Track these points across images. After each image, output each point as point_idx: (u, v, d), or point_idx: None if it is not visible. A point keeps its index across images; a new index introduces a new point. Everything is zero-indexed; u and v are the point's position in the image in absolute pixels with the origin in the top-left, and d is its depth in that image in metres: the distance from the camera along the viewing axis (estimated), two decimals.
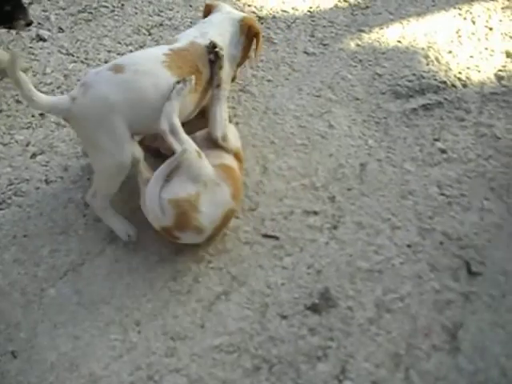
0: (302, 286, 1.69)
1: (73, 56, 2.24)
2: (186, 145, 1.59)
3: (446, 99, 2.19)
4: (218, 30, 1.80)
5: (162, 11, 2.41)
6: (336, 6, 2.52)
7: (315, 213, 1.85)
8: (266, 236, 1.79)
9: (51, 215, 1.79)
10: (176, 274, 1.69)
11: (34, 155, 1.94)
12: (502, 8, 2.57)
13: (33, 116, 2.05)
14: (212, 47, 1.71)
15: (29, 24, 1.95)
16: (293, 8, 2.48)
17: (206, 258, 1.73)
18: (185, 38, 1.76)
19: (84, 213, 1.81)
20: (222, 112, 1.76)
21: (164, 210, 1.55)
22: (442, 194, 1.93)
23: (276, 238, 1.78)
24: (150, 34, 2.33)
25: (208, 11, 1.89)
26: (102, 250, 1.73)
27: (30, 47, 2.28)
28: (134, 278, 1.69)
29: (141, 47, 2.27)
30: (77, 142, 1.94)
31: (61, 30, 2.34)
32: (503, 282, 1.75)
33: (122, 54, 2.23)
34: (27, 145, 1.97)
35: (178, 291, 1.66)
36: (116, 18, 2.38)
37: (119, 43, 2.28)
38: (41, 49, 2.26)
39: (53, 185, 1.87)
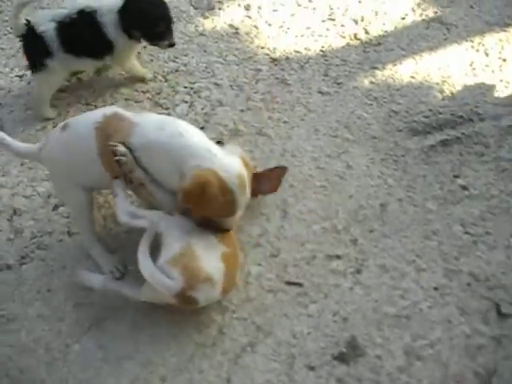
0: (329, 335, 1.66)
1: (91, 106, 2.28)
2: (150, 217, 1.59)
3: (463, 134, 2.18)
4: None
5: (177, 57, 2.46)
6: (348, 44, 2.54)
7: (338, 257, 1.83)
8: (289, 283, 1.76)
9: (74, 268, 1.80)
10: (200, 325, 1.67)
11: (55, 207, 1.96)
12: None
13: None
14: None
15: (172, 45, 2.17)
16: (305, 48, 2.51)
17: (230, 308, 1.70)
18: None
19: None
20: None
21: (168, 273, 1.50)
22: (467, 233, 1.89)
23: (300, 284, 1.76)
24: (166, 81, 2.37)
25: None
26: (125, 303, 1.72)
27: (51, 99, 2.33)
28: (157, 330, 1.67)
29: (158, 94, 2.31)
30: (97, 192, 1.96)
31: (79, 80, 2.40)
32: None
33: (140, 102, 2.27)
34: (49, 196, 1.99)
35: (202, 344, 1.64)
36: None
37: (136, 91, 2.31)
38: (59, 100, 2.31)
39: (75, 237, 1.88)
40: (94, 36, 2.07)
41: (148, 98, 2.29)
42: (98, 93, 2.33)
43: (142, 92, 2.31)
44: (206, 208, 1.52)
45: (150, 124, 1.58)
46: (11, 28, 2.51)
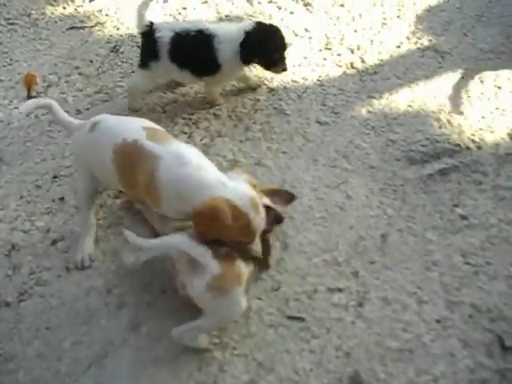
0: (331, 371, 1.64)
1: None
2: (168, 244, 1.61)
3: (461, 163, 2.19)
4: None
5: (175, 88, 2.47)
6: (345, 73, 2.57)
7: (339, 290, 1.82)
8: (290, 318, 1.75)
9: (73, 305, 1.78)
10: (201, 363, 1.65)
11: (54, 242, 1.95)
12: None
13: (53, 201, 2.08)
14: None
15: (284, 70, 2.33)
16: (303, 78, 2.54)
17: (231, 344, 1.69)
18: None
19: (106, 301, 1.79)
20: None
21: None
22: (467, 263, 1.89)
23: (301, 319, 1.75)
24: (164, 112, 2.38)
25: None
26: (124, 340, 1.70)
27: (49, 130, 2.34)
28: (158, 368, 1.65)
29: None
30: (97, 225, 1.95)
31: (78, 111, 2.41)
32: None
33: None
34: (47, 231, 1.98)
35: (203, 382, 1.61)
36: None
37: None
38: (59, 131, 2.32)
39: (74, 272, 1.87)
40: (205, 56, 2.20)
41: None
42: None
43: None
44: (221, 232, 1.56)
45: (173, 159, 1.65)
46: (10, 60, 2.54)
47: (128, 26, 2.84)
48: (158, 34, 2.19)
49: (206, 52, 2.19)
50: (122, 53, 2.67)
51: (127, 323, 1.75)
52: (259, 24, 2.25)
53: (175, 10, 2.89)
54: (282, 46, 2.28)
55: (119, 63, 2.61)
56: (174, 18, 2.84)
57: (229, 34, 2.20)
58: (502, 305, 1.79)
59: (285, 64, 2.31)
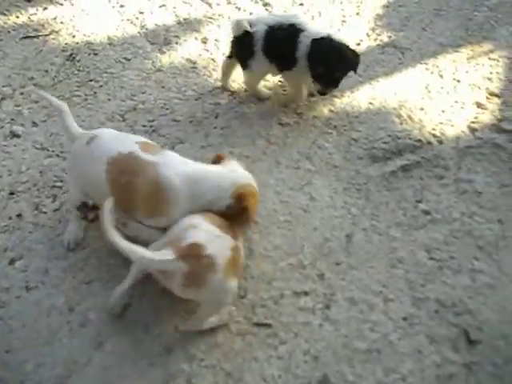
0: (300, 376, 1.63)
1: (48, 150, 2.22)
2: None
3: (423, 158, 2.21)
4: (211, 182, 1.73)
5: (134, 95, 2.43)
6: None
7: (306, 293, 1.81)
8: (257, 324, 1.73)
9: (34, 325, 1.73)
10: (168, 377, 1.62)
11: (12, 261, 1.89)
12: (467, 59, 2.64)
13: (10, 218, 2.01)
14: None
15: (325, 94, 2.31)
16: (263, 79, 2.51)
17: (198, 355, 1.66)
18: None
19: (68, 319, 1.74)
20: None
21: None
22: (432, 259, 1.91)
23: (268, 325, 1.73)
24: (124, 120, 2.33)
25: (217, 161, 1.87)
26: (89, 359, 1.66)
27: (4, 145, 2.26)
28: None
29: None
30: (56, 242, 1.90)
31: (34, 124, 2.34)
32: (503, 347, 1.71)
33: None
34: (5, 250, 1.92)
35: None
36: (89, 106, 2.39)
37: None
38: (15, 146, 2.25)
39: (34, 291, 1.81)
40: (288, 50, 2.20)
41: None
42: (54, 137, 2.28)
43: None
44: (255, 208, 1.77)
45: (174, 162, 1.72)
46: None
47: (84, 32, 2.77)
48: (253, 29, 2.21)
49: (290, 46, 2.19)
50: (78, 61, 2.61)
51: (91, 341, 1.70)
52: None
53: (132, 14, 2.84)
54: (353, 68, 2.24)
55: (76, 72, 2.55)
56: (132, 22, 2.79)
57: (312, 31, 2.20)
58: (467, 298, 1.81)
59: (334, 88, 2.28)
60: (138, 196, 1.68)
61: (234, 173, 1.77)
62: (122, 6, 2.89)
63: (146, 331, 1.71)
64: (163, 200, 1.67)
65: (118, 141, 1.77)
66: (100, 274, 1.85)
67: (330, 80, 2.24)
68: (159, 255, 1.51)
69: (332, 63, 2.17)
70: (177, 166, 1.71)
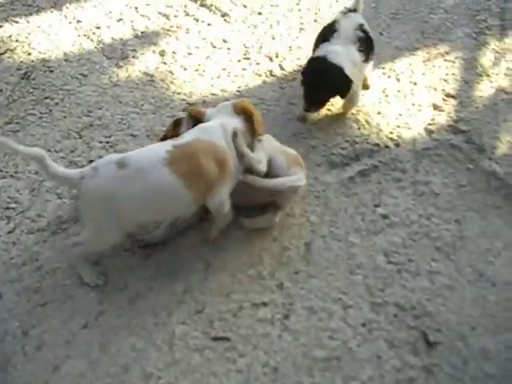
0: None
1: (1, 171, 2.18)
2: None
3: (380, 162, 2.22)
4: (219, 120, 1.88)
5: (91, 111, 2.40)
6: (264, 81, 2.57)
7: (264, 304, 1.80)
8: (216, 339, 1.72)
9: None
10: None
11: None
12: (423, 61, 2.67)
13: None
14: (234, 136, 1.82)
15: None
16: (222, 90, 2.52)
17: (155, 374, 1.64)
18: (188, 135, 1.82)
19: (22, 343, 1.71)
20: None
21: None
22: (390, 262, 1.91)
23: (227, 339, 1.72)
24: (80, 137, 2.31)
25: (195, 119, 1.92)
26: (45, 382, 1.63)
27: None
28: None
29: (72, 152, 2.24)
30: (9, 264, 1.87)
31: None
32: (462, 347, 1.72)
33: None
34: None
35: None
36: (44, 124, 2.36)
37: (49, 151, 2.24)
38: None
39: None
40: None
41: (62, 157, 2.22)
42: (8, 157, 2.25)
43: (55, 151, 2.24)
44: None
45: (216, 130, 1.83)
46: None
47: (40, 50, 2.74)
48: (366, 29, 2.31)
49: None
50: (33, 79, 2.57)
51: (47, 365, 1.67)
52: None
53: (89, 29, 2.82)
54: (339, 92, 2.23)
55: (31, 90, 2.52)
56: (88, 37, 2.77)
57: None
58: (425, 301, 1.82)
59: (316, 108, 2.31)
60: (210, 176, 1.74)
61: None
62: (78, 22, 2.87)
63: (103, 351, 1.68)
64: (228, 168, 1.79)
65: (152, 147, 1.82)
66: (55, 295, 1.82)
67: (313, 99, 2.25)
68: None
69: (317, 83, 2.18)
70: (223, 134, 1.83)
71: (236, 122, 1.90)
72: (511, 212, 2.06)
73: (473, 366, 1.68)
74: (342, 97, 2.23)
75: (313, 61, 2.22)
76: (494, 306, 1.81)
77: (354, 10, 2.39)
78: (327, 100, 2.27)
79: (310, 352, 1.70)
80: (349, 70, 2.15)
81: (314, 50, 2.31)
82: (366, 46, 2.27)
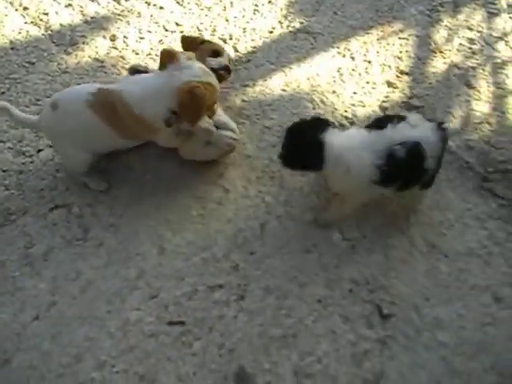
0: (215, 371, 1.61)
1: None
2: None
3: None
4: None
5: (39, 100, 2.32)
6: None
7: (220, 286, 1.79)
8: (171, 323, 1.70)
9: None
10: None
11: None
12: (378, 39, 2.67)
13: None
14: None
15: None
16: None
17: (109, 362, 1.61)
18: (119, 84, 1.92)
19: None
20: None
21: None
22: (345, 239, 1.92)
23: (182, 323, 1.70)
24: None
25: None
26: None
27: None
28: None
29: (19, 141, 2.17)
30: None
31: None
32: (416, 318, 1.75)
33: (1, 152, 2.13)
34: None
35: None
36: None
37: None
38: None
39: None
40: None
41: (9, 148, 2.15)
42: None
43: (2, 142, 2.16)
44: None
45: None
46: None
47: None
48: None
49: None
50: None
51: None
52: None
53: (36, 16, 2.72)
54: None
55: None
56: (36, 24, 2.67)
57: None
58: (380, 275, 1.84)
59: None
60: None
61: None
62: (25, 9, 2.76)
63: (54, 342, 1.65)
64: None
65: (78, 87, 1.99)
66: (5, 288, 1.77)
67: None
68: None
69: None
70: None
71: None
72: (463, 185, 2.09)
73: (426, 335, 1.71)
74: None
75: None
76: (446, 276, 1.84)
77: None
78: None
79: (266, 331, 1.70)
80: None
81: None
82: None
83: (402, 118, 1.73)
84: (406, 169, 1.69)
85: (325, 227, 1.92)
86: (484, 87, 2.44)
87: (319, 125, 1.76)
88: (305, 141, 1.72)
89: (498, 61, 2.56)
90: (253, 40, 2.65)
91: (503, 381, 1.62)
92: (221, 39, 2.64)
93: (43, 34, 2.63)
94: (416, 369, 1.64)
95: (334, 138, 1.71)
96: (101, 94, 1.84)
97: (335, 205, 1.90)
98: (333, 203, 1.92)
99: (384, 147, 1.66)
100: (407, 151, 1.65)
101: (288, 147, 1.76)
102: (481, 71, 2.51)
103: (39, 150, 2.13)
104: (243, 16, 2.79)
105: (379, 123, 1.76)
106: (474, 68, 2.53)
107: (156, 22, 2.70)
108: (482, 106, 2.36)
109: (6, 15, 2.73)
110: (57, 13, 2.75)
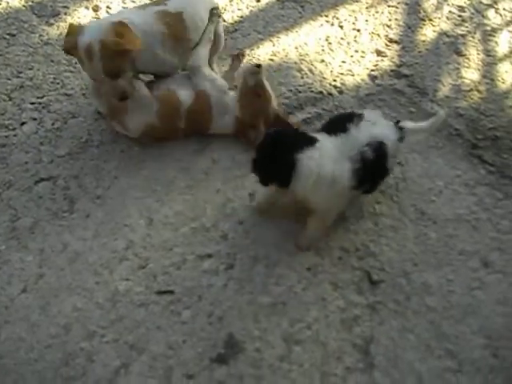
0: (205, 339, 1.61)
1: None
2: None
3: (324, 110, 2.19)
4: None
5: (21, 72, 2.27)
6: None
7: (209, 256, 1.78)
8: (160, 293, 1.69)
9: None
10: (67, 357, 1.56)
11: None
12: (367, 8, 2.63)
13: None
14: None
15: None
16: None
17: (98, 332, 1.61)
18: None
19: None
20: None
21: None
22: None
23: (171, 292, 1.69)
24: (10, 99, 2.17)
25: None
26: None
27: None
28: (21, 372, 1.54)
29: (1, 115, 2.12)
30: None
31: None
32: (405, 283, 1.75)
33: None
34: None
35: (71, 377, 1.53)
36: None
37: None
38: None
39: None
40: None
41: None
42: None
43: None
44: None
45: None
46: None
47: None
48: None
49: None
50: None
51: None
52: None
53: None
54: None
55: None
56: None
57: None
58: (369, 242, 1.84)
59: None
60: None
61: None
62: None
63: (43, 313, 1.64)
64: None
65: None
66: None
67: None
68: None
69: None
70: None
71: None
72: (452, 152, 2.09)
73: (415, 300, 1.72)
74: None
75: None
76: (435, 242, 1.85)
77: None
78: None
79: (256, 299, 1.70)
80: None
81: None
82: None
83: (359, 117, 1.68)
84: (374, 169, 1.67)
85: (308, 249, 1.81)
86: (473, 55, 2.42)
87: (293, 141, 1.60)
88: (277, 160, 1.56)
89: (488, 28, 2.53)
90: (239, 9, 2.59)
91: (491, 343, 1.64)
92: None
93: (24, 6, 2.55)
94: (405, 333, 1.65)
95: (308, 155, 1.56)
96: None
97: (312, 224, 1.76)
98: (309, 224, 1.77)
99: (356, 151, 1.61)
100: (374, 152, 1.62)
101: (260, 165, 1.62)
102: (470, 39, 2.49)
103: (22, 123, 2.09)
104: None
105: (336, 125, 1.70)
106: (463, 36, 2.50)
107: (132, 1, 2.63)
108: (471, 74, 2.34)
109: None
110: None
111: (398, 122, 1.78)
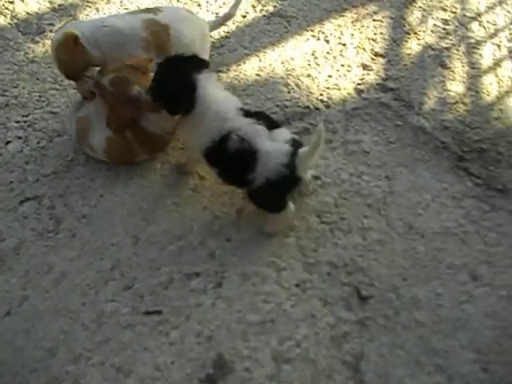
0: (194, 359, 1.59)
1: None
2: None
3: (311, 124, 2.19)
4: None
5: (6, 90, 2.25)
6: None
7: (197, 274, 1.76)
8: (147, 313, 1.67)
9: None
10: (53, 381, 1.53)
11: None
12: (352, 22, 2.65)
13: None
14: None
15: None
16: None
17: (85, 354, 1.58)
18: None
19: None
20: None
21: None
22: (322, 222, 1.91)
23: (159, 312, 1.67)
24: None
25: None
26: None
27: None
28: None
29: None
30: None
31: None
32: (394, 298, 1.74)
33: None
34: None
35: None
36: None
37: None
38: None
39: None
40: None
41: None
42: None
43: None
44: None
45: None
46: None
47: None
48: None
49: None
50: None
51: None
52: None
53: (1, 5, 2.62)
54: None
55: None
56: (1, 13, 2.58)
57: None
58: (358, 257, 1.83)
59: None
60: None
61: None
62: None
63: (27, 337, 1.61)
64: None
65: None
66: None
67: None
68: None
69: None
70: None
71: None
72: (439, 165, 2.10)
73: (404, 315, 1.71)
74: None
75: None
76: (423, 256, 1.84)
77: None
78: None
79: (245, 317, 1.68)
80: None
81: None
82: None
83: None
84: None
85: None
86: (458, 67, 2.44)
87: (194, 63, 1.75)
88: (179, 78, 1.70)
89: (472, 41, 2.56)
90: (226, 25, 2.60)
91: (480, 357, 1.63)
92: (195, 2, 2.61)
93: (9, 23, 2.55)
94: (395, 349, 1.64)
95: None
96: None
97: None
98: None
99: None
100: None
101: (160, 80, 1.73)
102: (455, 51, 2.51)
103: (7, 142, 2.07)
104: (215, 0, 2.74)
105: None
106: (448, 49, 2.53)
107: (126, 8, 2.63)
108: (456, 86, 2.36)
109: None
110: (22, 1, 2.67)
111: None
